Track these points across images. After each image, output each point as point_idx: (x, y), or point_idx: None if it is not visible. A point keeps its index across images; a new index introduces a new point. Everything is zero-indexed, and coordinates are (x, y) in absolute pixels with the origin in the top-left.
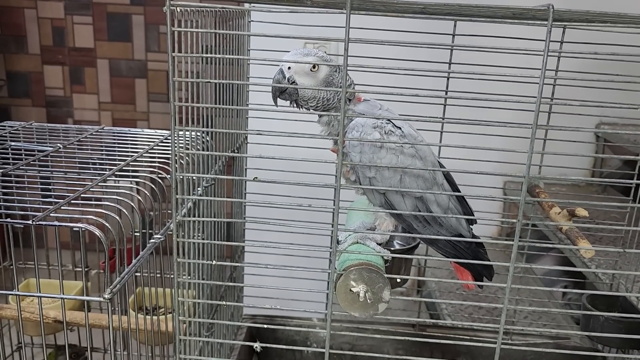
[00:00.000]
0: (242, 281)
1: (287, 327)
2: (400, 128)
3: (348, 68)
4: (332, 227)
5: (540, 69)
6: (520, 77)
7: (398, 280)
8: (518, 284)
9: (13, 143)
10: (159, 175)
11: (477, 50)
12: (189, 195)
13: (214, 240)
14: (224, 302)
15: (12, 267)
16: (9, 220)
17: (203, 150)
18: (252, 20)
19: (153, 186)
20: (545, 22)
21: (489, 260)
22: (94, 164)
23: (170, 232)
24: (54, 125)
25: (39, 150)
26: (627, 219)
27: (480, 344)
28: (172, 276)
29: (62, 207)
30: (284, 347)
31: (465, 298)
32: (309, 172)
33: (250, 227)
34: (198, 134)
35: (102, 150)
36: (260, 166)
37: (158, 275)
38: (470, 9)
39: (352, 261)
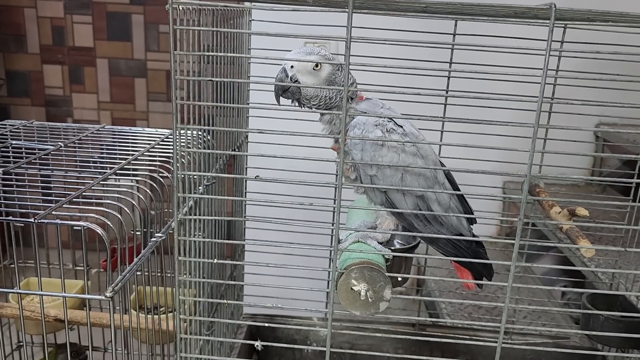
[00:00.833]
0: (243, 281)
1: (288, 326)
2: (401, 126)
3: (350, 67)
4: (333, 225)
5: (541, 69)
6: (522, 76)
7: (399, 279)
8: (518, 283)
9: (14, 141)
10: (160, 174)
11: (478, 49)
12: (190, 193)
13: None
14: (225, 301)
15: (12, 265)
16: (10, 218)
17: (204, 149)
18: (253, 19)
19: (154, 184)
20: (547, 22)
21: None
22: (95, 162)
23: (171, 231)
24: (55, 124)
25: (39, 149)
26: (627, 219)
27: (480, 343)
28: (172, 275)
29: (63, 206)
30: (284, 345)
31: (465, 297)
32: (310, 172)
33: (250, 227)
34: (199, 132)
35: (102, 149)
36: (261, 165)
37: (159, 274)
38: (472, 7)
39: (353, 260)
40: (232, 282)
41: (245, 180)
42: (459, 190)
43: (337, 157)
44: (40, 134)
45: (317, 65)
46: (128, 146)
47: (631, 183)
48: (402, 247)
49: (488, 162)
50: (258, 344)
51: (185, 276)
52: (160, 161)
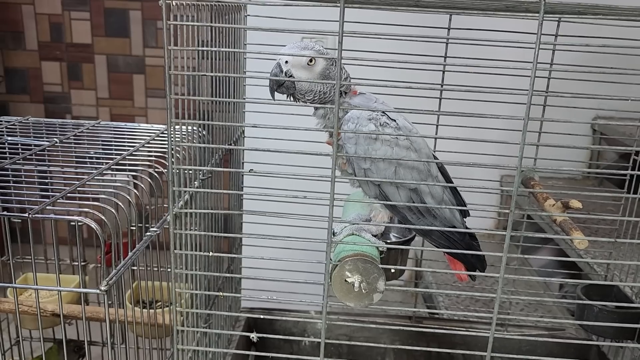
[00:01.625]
0: (240, 274)
1: (285, 319)
2: (395, 120)
3: (344, 61)
4: (328, 219)
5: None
6: (515, 69)
7: (392, 270)
8: (513, 275)
9: (10, 138)
10: (156, 170)
11: (472, 43)
12: (186, 187)
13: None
14: (221, 293)
15: (9, 261)
16: (5, 213)
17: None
18: (249, 15)
19: (150, 180)
20: (537, 15)
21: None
22: (91, 158)
23: (167, 226)
24: (51, 120)
25: (35, 145)
26: (621, 210)
27: (475, 333)
28: (169, 270)
29: (58, 201)
30: (281, 337)
31: (462, 290)
32: (304, 165)
33: (247, 221)
34: (195, 128)
35: (98, 144)
36: (256, 160)
37: (155, 269)
38: (464, 2)
39: (347, 252)
40: (228, 275)
41: (242, 175)
42: (452, 183)
43: (332, 151)
44: (36, 130)
45: (311, 60)
46: (124, 142)
47: (625, 174)
48: (398, 240)
49: (484, 156)
50: (254, 335)
51: (181, 269)
52: (155, 156)
